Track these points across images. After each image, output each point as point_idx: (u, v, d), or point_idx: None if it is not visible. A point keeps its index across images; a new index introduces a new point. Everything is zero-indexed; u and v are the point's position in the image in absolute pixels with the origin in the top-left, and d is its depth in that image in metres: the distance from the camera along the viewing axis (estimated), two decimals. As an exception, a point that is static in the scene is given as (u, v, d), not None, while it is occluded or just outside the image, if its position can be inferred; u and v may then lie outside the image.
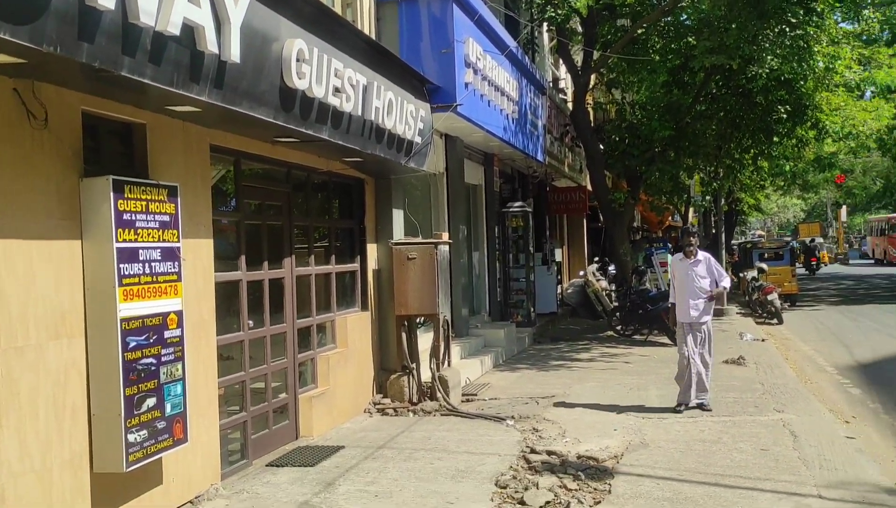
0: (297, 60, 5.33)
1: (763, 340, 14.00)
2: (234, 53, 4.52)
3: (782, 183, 29.79)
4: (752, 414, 7.85)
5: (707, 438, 6.93)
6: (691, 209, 35.30)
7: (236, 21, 4.51)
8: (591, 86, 15.96)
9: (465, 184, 12.12)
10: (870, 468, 6.00)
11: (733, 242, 35.44)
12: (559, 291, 18.26)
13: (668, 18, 14.30)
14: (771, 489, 5.49)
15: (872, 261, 49.43)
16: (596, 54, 14.87)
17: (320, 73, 5.72)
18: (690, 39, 13.52)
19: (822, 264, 42.43)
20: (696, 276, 8.17)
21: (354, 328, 8.25)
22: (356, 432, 7.52)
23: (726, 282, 8.44)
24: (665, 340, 13.49)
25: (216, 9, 4.32)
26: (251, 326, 6.55)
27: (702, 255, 8.37)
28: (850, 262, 52.38)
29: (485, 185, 13.57)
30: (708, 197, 19.97)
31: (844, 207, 55.89)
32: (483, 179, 13.54)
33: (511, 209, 14.28)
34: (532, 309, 14.51)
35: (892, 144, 23.18)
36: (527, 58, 13.13)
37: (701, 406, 8.03)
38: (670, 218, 35.89)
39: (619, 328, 14.51)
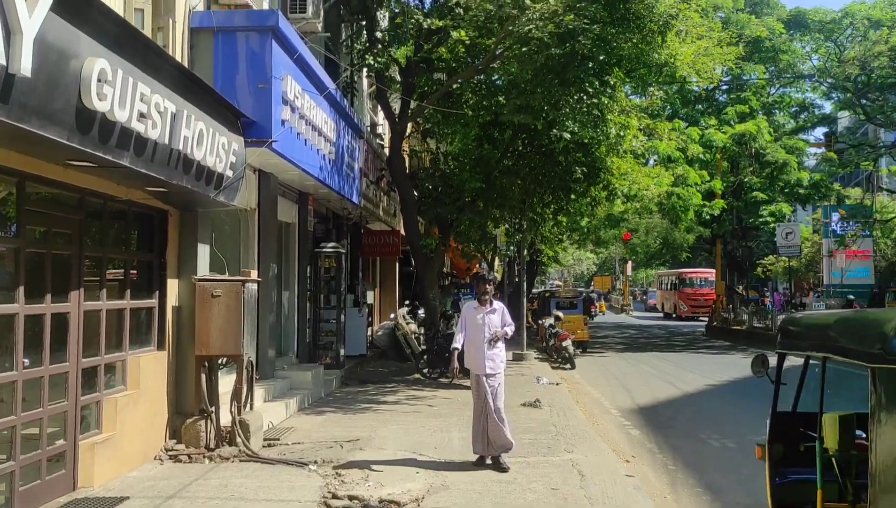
0: (99, 81, 5.00)
1: (557, 384, 14.84)
2: (25, 67, 4.16)
3: (578, 237, 32.05)
4: (546, 455, 8.26)
5: (504, 479, 7.19)
6: (497, 258, 37.13)
7: (29, 33, 4.17)
8: (407, 133, 16.37)
9: (277, 222, 11.88)
10: (645, 504, 6.50)
11: (534, 290, 37.55)
12: (369, 333, 18.30)
13: (482, 77, 15.08)
14: (560, 527, 5.78)
15: (661, 314, 51.95)
16: (413, 104, 15.32)
17: (124, 96, 5.40)
18: (500, 98, 14.34)
19: (599, 313, 46.73)
20: (489, 325, 7.80)
21: (148, 369, 7.71)
22: (143, 481, 6.98)
23: (509, 329, 7.99)
24: (468, 383, 13.87)
25: (6, 17, 3.96)
26: (27, 365, 5.92)
27: (497, 304, 8.03)
28: (633, 313, 57.34)
29: (298, 224, 13.37)
30: (512, 247, 21.07)
31: (630, 262, 61.07)
32: (297, 217, 13.35)
33: (324, 250, 14.18)
34: (341, 351, 14.39)
35: (670, 208, 25.79)
36: (346, 101, 13.24)
37: (497, 465, 7.54)
38: (478, 265, 37.41)
39: (426, 370, 14.76)
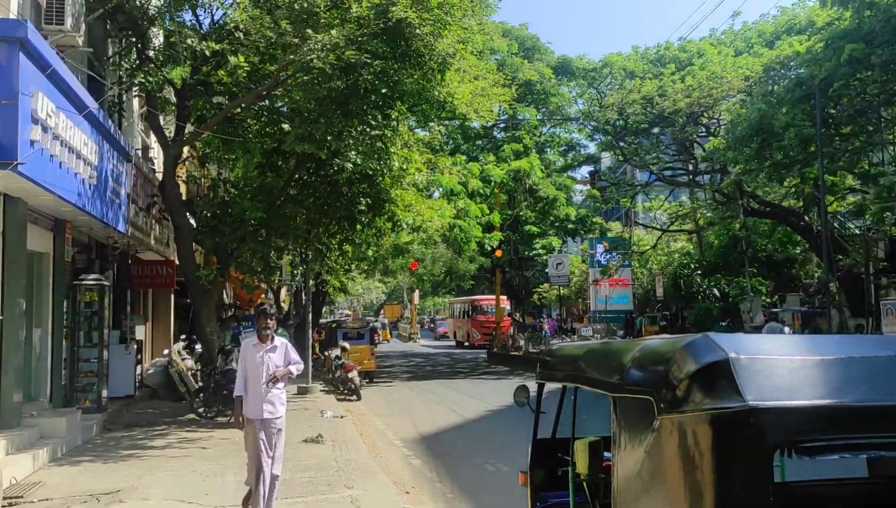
0: None
1: (342, 417, 14.65)
2: None
3: (366, 267, 32.27)
4: (325, 493, 8.04)
5: (278, 523, 6.87)
6: (283, 289, 36.27)
7: None
8: (183, 158, 15.51)
9: (27, 251, 10.63)
10: (421, 536, 6.51)
11: (322, 320, 37.12)
12: (139, 371, 16.94)
13: (265, 103, 14.72)
14: (333, 570, 5.60)
15: (453, 343, 50.97)
16: (190, 127, 14.57)
17: None
18: (285, 126, 14.06)
19: (384, 341, 47.58)
20: (270, 364, 7.03)
21: None
22: None
23: (296, 368, 7.22)
24: (249, 421, 13.28)
25: None
26: None
27: (279, 340, 7.26)
28: (421, 341, 58.63)
29: (54, 253, 12.09)
30: (298, 277, 20.66)
31: (417, 291, 62.54)
32: (52, 246, 12.07)
33: (84, 282, 12.93)
34: (104, 393, 13.14)
35: (453, 239, 26.79)
36: (110, 122, 12.26)
37: None
38: (263, 296, 36.23)
39: (201, 410, 13.91)
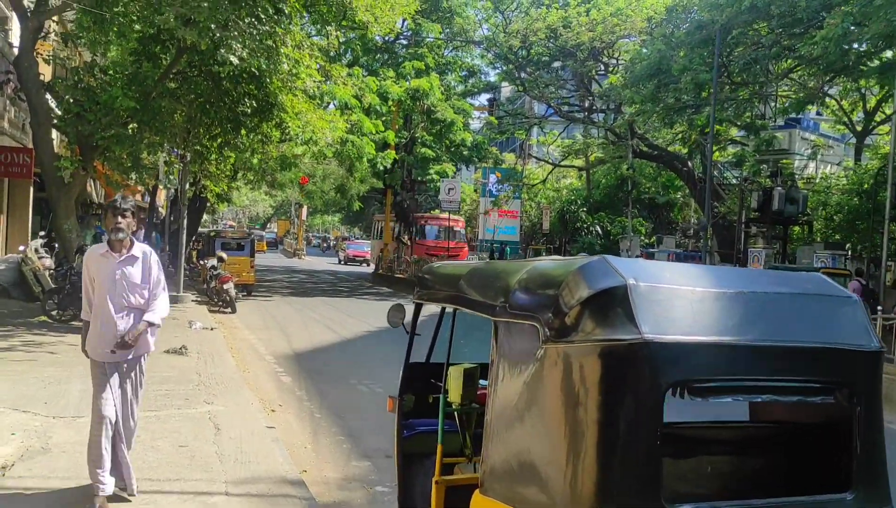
0: None
1: (213, 328, 13.98)
2: None
3: (252, 177, 30.89)
4: (181, 407, 7.50)
5: (123, 438, 6.29)
6: (161, 192, 34.26)
7: None
8: (44, 33, 13.83)
9: None
10: (281, 457, 6.13)
11: (202, 229, 35.51)
12: (-14, 267, 15.48)
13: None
14: (179, 490, 5.15)
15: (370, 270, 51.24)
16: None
17: None
18: (166, 9, 12.72)
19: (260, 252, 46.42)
20: (127, 283, 4.95)
21: None
22: None
23: (159, 312, 5.06)
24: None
25: None
26: None
27: (140, 249, 5.06)
28: (306, 258, 57.61)
29: None
30: (173, 178, 19.31)
31: (305, 207, 61.07)
32: None
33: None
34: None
35: (345, 155, 25.87)
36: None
37: (122, 493, 4.98)
38: (140, 197, 34.11)
39: (54, 312, 12.87)
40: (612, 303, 2.44)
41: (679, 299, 2.50)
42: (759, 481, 3.03)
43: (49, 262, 15.77)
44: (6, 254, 17.75)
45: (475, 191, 46.13)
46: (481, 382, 3.69)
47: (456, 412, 3.67)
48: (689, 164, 27.81)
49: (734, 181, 29.04)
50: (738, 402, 2.66)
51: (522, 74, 32.00)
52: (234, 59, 11.56)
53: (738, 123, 25.26)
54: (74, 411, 6.99)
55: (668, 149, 29.50)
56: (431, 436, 3.93)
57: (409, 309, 4.22)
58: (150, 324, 5.00)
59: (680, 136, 28.15)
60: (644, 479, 2.36)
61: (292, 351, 13.11)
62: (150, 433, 6.40)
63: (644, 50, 23.19)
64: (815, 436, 2.91)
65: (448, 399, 3.60)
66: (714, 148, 24.40)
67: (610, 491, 2.35)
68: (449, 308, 3.68)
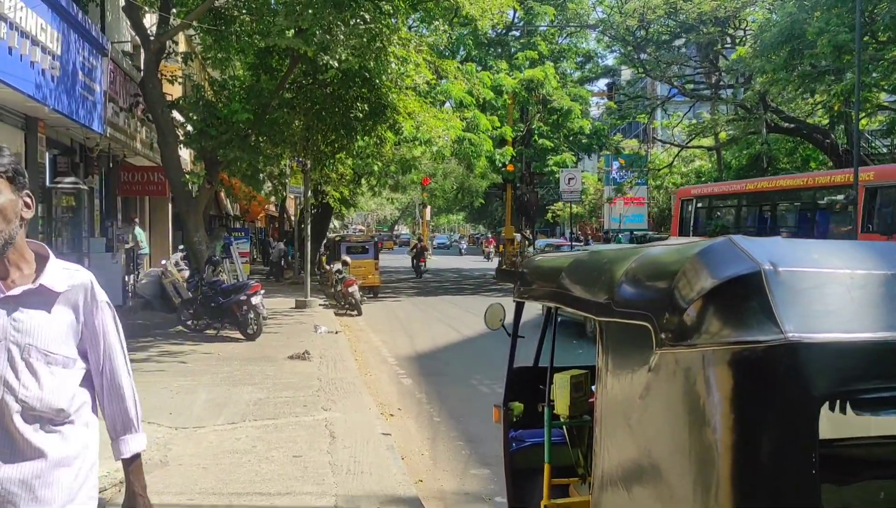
0: None
1: (337, 332, 14.10)
2: None
3: (374, 182, 31.44)
4: (299, 415, 7.44)
5: (240, 448, 6.27)
6: (291, 199, 35.48)
7: None
8: (166, 53, 14.44)
9: (-10, 150, 9.82)
10: (395, 467, 5.89)
11: (331, 235, 36.53)
12: (130, 281, 16.41)
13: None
14: (288, 505, 5.00)
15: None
16: (175, 20, 13.51)
17: None
18: (280, 20, 12.96)
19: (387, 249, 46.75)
20: (19, 352, 1.97)
21: None
22: None
23: (137, 426, 2.25)
24: (238, 335, 12.79)
25: None
26: None
27: (58, 275, 2.07)
28: (432, 257, 58.14)
29: (26, 154, 11.29)
30: (292, 186, 19.81)
31: (428, 207, 61.69)
32: (24, 146, 11.26)
33: (60, 185, 12.16)
34: (85, 302, 12.56)
35: (463, 153, 25.70)
36: (76, 8, 11.14)
37: None
38: (272, 207, 35.54)
39: (189, 322, 13.40)
40: (744, 295, 1.93)
41: (833, 287, 1.95)
42: None
43: (187, 274, 16.53)
44: (150, 268, 18.80)
45: (598, 180, 44.89)
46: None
47: (565, 427, 3.24)
48: (832, 135, 25.61)
49: (884, 150, 26.52)
50: None
51: (642, 56, 30.68)
52: (335, 63, 11.56)
53: (886, 87, 22.95)
54: (196, 421, 7.08)
55: (807, 121, 27.31)
56: (543, 449, 3.51)
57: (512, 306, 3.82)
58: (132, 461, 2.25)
59: (820, 106, 25.98)
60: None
61: (414, 352, 12.99)
62: (266, 444, 6.35)
63: (773, 16, 21.50)
64: None
65: (555, 412, 3.17)
66: (861, 116, 22.30)
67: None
68: (552, 306, 3.25)
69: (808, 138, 27.34)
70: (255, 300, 12.50)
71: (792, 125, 26.98)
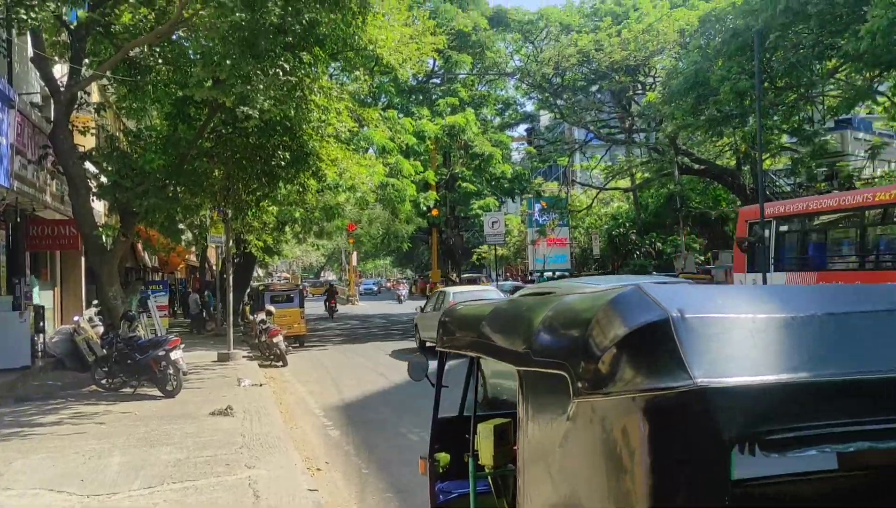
0: None
1: (262, 385, 13.73)
2: None
3: (298, 229, 31.13)
4: (221, 475, 7.17)
5: (158, 514, 5.99)
6: (212, 249, 34.69)
7: None
8: (78, 104, 14.04)
9: None
10: (322, 524, 5.73)
11: (255, 284, 35.81)
12: (40, 339, 15.62)
13: (169, 44, 13.41)
14: (210, 572, 4.77)
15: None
16: (87, 72, 13.19)
17: None
18: (197, 70, 12.82)
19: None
20: None
21: None
22: None
23: None
24: (156, 392, 12.29)
25: None
26: None
27: None
28: (360, 304, 57.62)
29: (-76, 211, 10.74)
30: (213, 236, 19.40)
31: (355, 253, 61.36)
32: (-78, 203, 10.72)
33: (-38, 243, 11.59)
34: (-9, 365, 11.90)
35: (387, 199, 25.82)
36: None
37: None
38: (192, 257, 34.65)
39: (104, 381, 12.81)
40: (655, 342, 1.98)
41: (738, 331, 2.03)
42: None
43: (102, 330, 15.86)
44: (61, 325, 17.97)
45: (522, 222, 45.71)
46: None
47: (490, 477, 3.22)
48: (739, 175, 26.91)
49: (787, 189, 27.99)
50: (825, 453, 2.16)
51: (559, 102, 31.70)
52: (255, 113, 11.49)
53: (786, 129, 24.34)
54: (110, 487, 6.73)
55: (716, 162, 28.64)
56: (469, 500, 3.48)
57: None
58: None
59: (727, 148, 27.32)
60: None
61: (342, 401, 12.76)
62: None
63: (680, 64, 22.62)
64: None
65: (479, 462, 3.15)
66: (764, 157, 23.54)
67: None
68: (474, 355, 3.26)
69: (718, 179, 28.65)
70: (174, 355, 12.08)
71: (702, 166, 28.23)
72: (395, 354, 20.05)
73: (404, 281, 66.34)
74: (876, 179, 26.22)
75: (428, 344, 18.70)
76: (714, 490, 1.87)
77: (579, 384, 2.10)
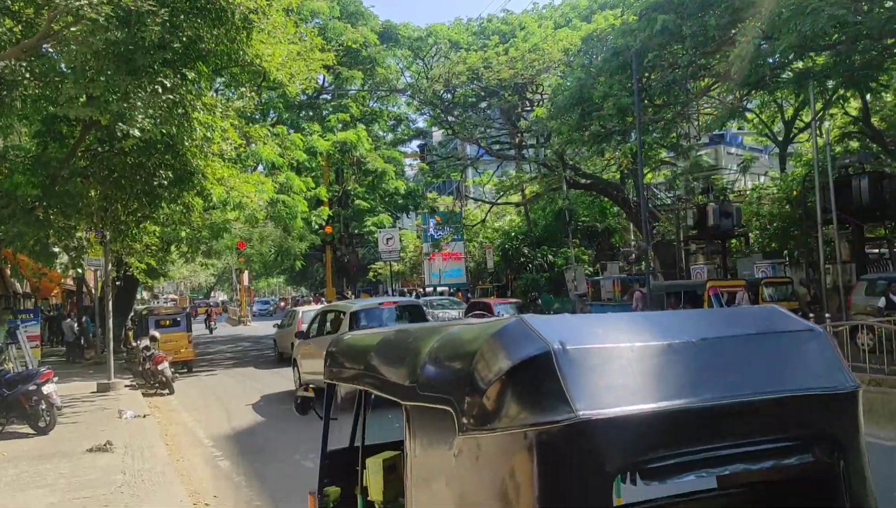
0: None
1: (145, 416, 13.05)
2: None
3: (185, 249, 29.98)
4: (99, 518, 6.72)
5: (26, 567, 5.52)
6: (90, 272, 32.88)
7: None
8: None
9: None
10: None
11: (139, 307, 34.17)
12: None
13: (38, 58, 12.60)
14: None
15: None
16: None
17: None
18: (69, 86, 12.09)
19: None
20: None
21: None
22: None
23: None
24: (28, 429, 11.45)
25: None
26: None
27: None
28: (252, 324, 56.05)
29: None
30: (89, 258, 18.34)
31: (246, 272, 59.75)
32: None
33: None
34: None
35: (277, 215, 25.25)
36: None
37: None
38: (69, 281, 32.66)
39: (-33, 420, 11.81)
40: (537, 376, 1.97)
41: (617, 361, 2.05)
42: None
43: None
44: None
45: (417, 237, 45.82)
46: None
47: (380, 513, 3.14)
48: (623, 189, 28.01)
49: (668, 201, 29.35)
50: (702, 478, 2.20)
51: (450, 118, 32.06)
52: (136, 132, 10.97)
53: (665, 144, 25.56)
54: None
55: (602, 176, 29.71)
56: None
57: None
58: None
59: (612, 162, 28.39)
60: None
61: (232, 430, 12.29)
62: (57, 557, 5.64)
63: (567, 81, 23.36)
64: (796, 495, 2.47)
65: (368, 498, 3.06)
66: (645, 171, 24.60)
67: None
68: (361, 388, 3.17)
69: (604, 193, 29.70)
70: (46, 390, 11.30)
71: (589, 181, 29.21)
72: (287, 376, 19.55)
73: (300, 299, 65.14)
74: (748, 192, 27.92)
75: (284, 355, 19.66)
76: None
77: (464, 420, 2.06)
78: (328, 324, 15.00)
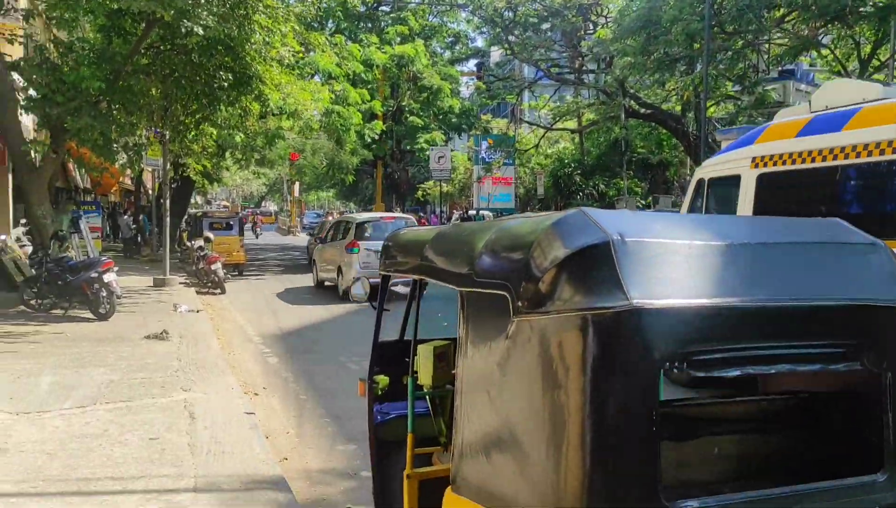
0: None
1: (199, 311, 13.57)
2: None
3: (240, 156, 30.38)
4: (156, 396, 7.11)
5: (90, 432, 5.92)
6: (148, 172, 33.64)
7: None
8: (4, 10, 13.19)
9: None
10: (258, 446, 5.75)
11: (193, 211, 35.00)
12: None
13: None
14: (143, 488, 4.77)
15: None
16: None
17: None
18: None
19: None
20: None
21: None
22: None
23: None
24: (88, 314, 12.03)
25: None
26: None
27: None
28: (301, 234, 57.00)
29: None
30: (147, 157, 18.71)
31: (297, 183, 60.37)
32: None
33: None
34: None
35: (331, 127, 25.28)
36: None
37: None
38: (127, 180, 33.58)
39: (33, 302, 12.46)
40: (594, 264, 2.01)
41: (674, 256, 2.08)
42: (773, 463, 2.64)
43: (30, 249, 15.33)
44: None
45: (468, 159, 45.53)
46: None
47: (428, 397, 3.27)
48: (683, 121, 27.25)
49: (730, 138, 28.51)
50: (748, 374, 2.25)
51: (510, 38, 31.29)
52: (200, 30, 11.00)
53: (731, 78, 24.64)
54: (41, 405, 6.62)
55: (662, 107, 28.90)
56: (407, 421, 3.53)
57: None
58: None
59: (673, 93, 27.55)
60: (639, 472, 1.95)
61: (280, 330, 12.73)
62: (119, 427, 6.03)
63: (635, 2, 22.52)
64: (838, 408, 2.50)
65: (418, 382, 3.19)
66: (709, 104, 23.83)
67: (598, 489, 1.94)
68: (416, 278, 3.26)
69: (663, 124, 28.94)
70: (107, 278, 11.80)
71: (648, 111, 28.45)
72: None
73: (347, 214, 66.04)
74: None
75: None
76: (644, 404, 1.94)
77: (520, 304, 2.12)
78: (340, 233, 17.79)
